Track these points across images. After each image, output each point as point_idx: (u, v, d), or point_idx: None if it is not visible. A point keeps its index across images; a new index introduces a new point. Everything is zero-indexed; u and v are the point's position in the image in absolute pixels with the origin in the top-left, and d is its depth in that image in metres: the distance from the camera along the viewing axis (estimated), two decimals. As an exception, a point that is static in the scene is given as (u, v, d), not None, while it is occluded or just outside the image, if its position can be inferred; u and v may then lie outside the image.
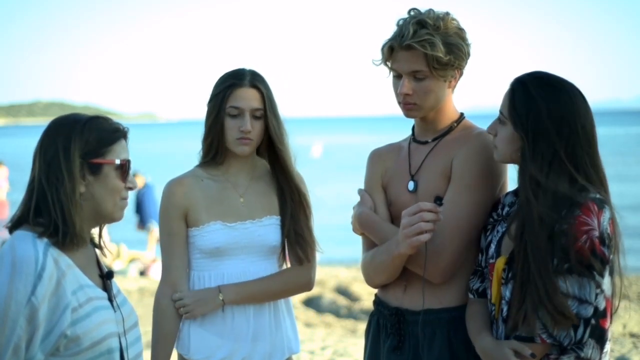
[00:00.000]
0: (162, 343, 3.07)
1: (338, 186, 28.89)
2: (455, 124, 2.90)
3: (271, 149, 3.16)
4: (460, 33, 2.78)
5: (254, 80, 3.08)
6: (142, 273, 13.94)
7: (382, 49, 2.81)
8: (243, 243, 3.10)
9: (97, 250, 2.49)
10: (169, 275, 3.10)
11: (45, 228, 2.28)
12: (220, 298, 3.05)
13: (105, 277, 2.46)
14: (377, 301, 2.98)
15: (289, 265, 3.22)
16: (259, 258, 3.13)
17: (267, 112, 3.08)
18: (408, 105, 2.82)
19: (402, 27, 2.75)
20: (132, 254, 14.89)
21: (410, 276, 2.83)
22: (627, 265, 2.53)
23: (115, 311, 2.40)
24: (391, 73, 2.84)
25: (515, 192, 2.69)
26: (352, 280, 12.26)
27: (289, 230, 3.13)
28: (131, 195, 2.53)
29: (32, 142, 2.44)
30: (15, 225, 2.34)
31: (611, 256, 2.47)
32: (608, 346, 2.54)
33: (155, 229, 13.92)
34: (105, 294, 2.39)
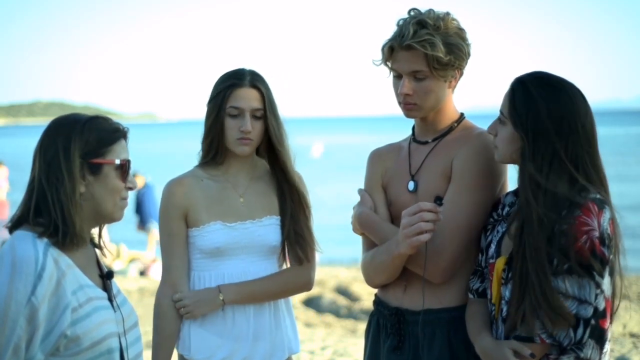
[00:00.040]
0: (163, 344, 3.07)
1: (338, 186, 28.90)
2: (456, 124, 2.90)
3: (271, 149, 3.16)
4: (460, 33, 2.78)
5: (254, 80, 3.08)
6: (142, 273, 13.95)
7: (383, 49, 2.81)
8: (243, 243, 3.10)
9: (97, 250, 2.50)
10: (169, 276, 3.10)
11: (45, 228, 2.28)
12: (221, 298, 3.05)
13: (105, 277, 2.46)
14: (377, 301, 2.98)
15: (289, 265, 3.22)
16: (259, 258, 3.14)
17: (267, 113, 3.08)
18: (408, 105, 2.82)
19: (403, 27, 2.75)
20: (132, 254, 14.90)
21: (410, 276, 2.83)
22: (627, 266, 2.53)
23: (115, 311, 2.40)
24: (391, 73, 2.84)
25: (515, 192, 2.68)
26: (352, 280, 12.25)
27: (289, 230, 3.13)
28: (131, 196, 2.53)
29: (32, 142, 2.44)
30: (15, 225, 2.34)
31: (611, 256, 2.47)
32: (608, 346, 2.54)
33: (155, 229, 13.93)
34: (105, 294, 2.39)
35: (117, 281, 2.58)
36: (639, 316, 8.65)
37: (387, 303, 2.91)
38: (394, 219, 2.88)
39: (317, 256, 3.24)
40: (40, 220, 2.30)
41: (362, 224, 2.93)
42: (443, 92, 2.82)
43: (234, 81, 3.07)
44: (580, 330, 2.44)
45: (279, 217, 3.15)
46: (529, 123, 2.51)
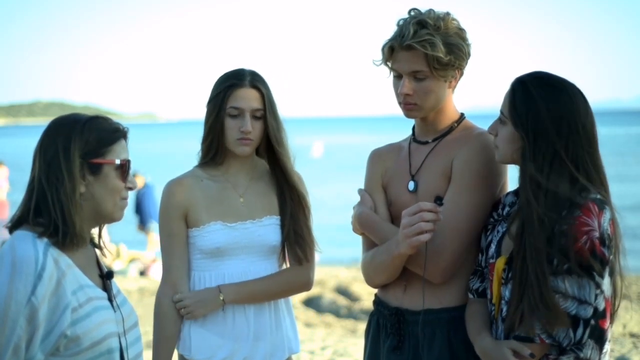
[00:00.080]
0: (163, 344, 3.07)
1: (338, 186, 28.90)
2: (456, 124, 2.90)
3: (270, 149, 3.16)
4: (460, 33, 2.78)
5: (254, 80, 3.08)
6: (142, 273, 13.94)
7: (383, 49, 2.81)
8: (243, 243, 3.11)
9: (97, 250, 2.50)
10: (170, 276, 3.10)
11: (45, 228, 2.28)
12: (221, 298, 3.05)
13: (105, 277, 2.46)
14: (377, 301, 2.98)
15: (288, 265, 3.22)
16: (259, 258, 3.14)
17: (267, 113, 3.08)
18: (408, 105, 2.82)
19: (403, 27, 2.75)
20: (132, 254, 14.89)
21: (410, 276, 2.83)
22: (627, 266, 2.53)
23: (115, 311, 2.39)
24: (391, 73, 2.84)
25: (515, 192, 2.68)
26: (352, 280, 12.25)
27: (289, 230, 3.13)
28: (130, 196, 2.53)
29: (32, 142, 2.44)
30: (15, 225, 2.34)
31: (611, 257, 2.47)
32: (607, 346, 2.54)
33: (155, 229, 13.92)
34: (105, 294, 2.39)
35: (117, 281, 2.58)
36: (639, 316, 8.65)
37: (387, 303, 2.91)
38: (394, 219, 2.88)
39: (317, 256, 3.25)
40: (40, 220, 2.30)
41: (362, 224, 2.93)
42: (443, 92, 2.82)
43: (234, 81, 3.07)
44: (579, 331, 2.44)
45: (279, 217, 3.16)
46: (529, 123, 2.51)
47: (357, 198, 3.00)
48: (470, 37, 2.82)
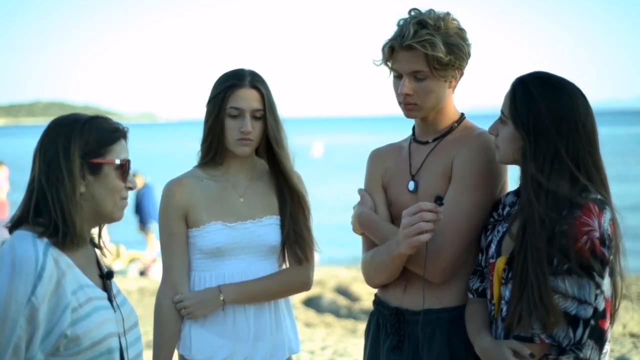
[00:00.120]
0: (163, 344, 3.07)
1: (338, 186, 28.90)
2: (456, 124, 2.90)
3: (270, 149, 3.16)
4: (460, 33, 2.78)
5: (254, 80, 3.08)
6: (142, 273, 13.94)
7: (383, 49, 2.81)
8: (243, 243, 3.10)
9: (97, 250, 2.50)
10: (170, 276, 3.10)
11: (45, 228, 2.28)
12: (221, 298, 3.05)
13: (105, 277, 2.46)
14: (377, 301, 2.98)
15: (288, 265, 3.22)
16: (259, 258, 3.14)
17: (267, 114, 3.08)
18: (409, 105, 2.82)
19: (403, 27, 2.75)
20: (132, 254, 14.89)
21: (410, 276, 2.83)
22: (627, 266, 2.53)
23: (115, 311, 2.39)
24: (392, 73, 2.84)
25: (516, 192, 2.69)
26: (352, 280, 12.25)
27: (288, 230, 3.13)
28: (130, 196, 2.53)
29: (32, 142, 2.44)
30: (15, 225, 2.34)
31: (611, 257, 2.47)
32: (607, 347, 2.54)
33: (154, 229, 13.92)
34: (105, 294, 2.39)
35: (117, 281, 2.58)
36: (639, 316, 8.65)
37: (387, 303, 2.91)
38: (394, 219, 2.88)
39: (317, 256, 3.25)
40: (40, 220, 2.30)
41: (362, 224, 2.93)
42: (443, 92, 2.82)
43: (234, 82, 3.07)
44: (579, 331, 2.44)
45: (278, 217, 3.16)
46: (530, 123, 2.51)
47: (357, 198, 3.00)
48: (471, 37, 2.82)
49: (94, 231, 2.46)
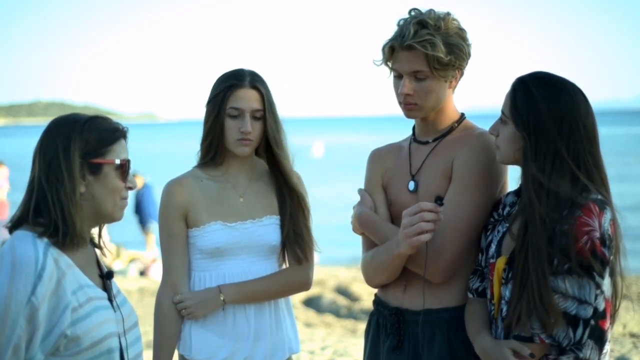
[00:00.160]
0: (164, 344, 3.07)
1: (338, 186, 28.89)
2: (456, 124, 2.90)
3: (269, 149, 3.16)
4: (461, 33, 2.78)
5: (254, 81, 3.08)
6: (142, 273, 13.94)
7: (383, 49, 2.81)
8: (243, 243, 3.11)
9: (97, 250, 2.49)
10: (170, 276, 3.10)
11: (45, 228, 2.28)
12: (221, 298, 3.05)
13: (105, 277, 2.46)
14: (377, 301, 2.98)
15: (287, 265, 3.22)
16: (259, 258, 3.14)
17: (267, 114, 3.08)
18: (409, 105, 2.82)
19: (403, 27, 2.75)
20: (132, 254, 14.89)
21: (410, 276, 2.83)
22: (627, 266, 2.53)
23: (115, 311, 2.39)
24: (392, 73, 2.84)
25: (516, 192, 2.69)
26: (352, 280, 12.25)
27: (288, 230, 3.13)
28: (130, 196, 2.53)
29: (32, 142, 2.44)
30: (15, 225, 2.34)
31: (611, 257, 2.47)
32: (607, 347, 2.54)
33: (154, 229, 13.92)
34: (105, 294, 2.39)
35: (117, 281, 2.58)
36: (639, 316, 8.65)
37: (387, 303, 2.91)
38: (394, 219, 2.88)
39: (317, 256, 3.25)
40: (40, 220, 2.30)
41: (362, 224, 2.93)
42: (443, 92, 2.82)
43: (234, 82, 3.07)
44: (579, 331, 2.44)
45: (278, 217, 3.16)
46: (531, 123, 2.51)
47: (357, 198, 3.00)
48: (471, 37, 2.82)
49: (94, 231, 2.46)
